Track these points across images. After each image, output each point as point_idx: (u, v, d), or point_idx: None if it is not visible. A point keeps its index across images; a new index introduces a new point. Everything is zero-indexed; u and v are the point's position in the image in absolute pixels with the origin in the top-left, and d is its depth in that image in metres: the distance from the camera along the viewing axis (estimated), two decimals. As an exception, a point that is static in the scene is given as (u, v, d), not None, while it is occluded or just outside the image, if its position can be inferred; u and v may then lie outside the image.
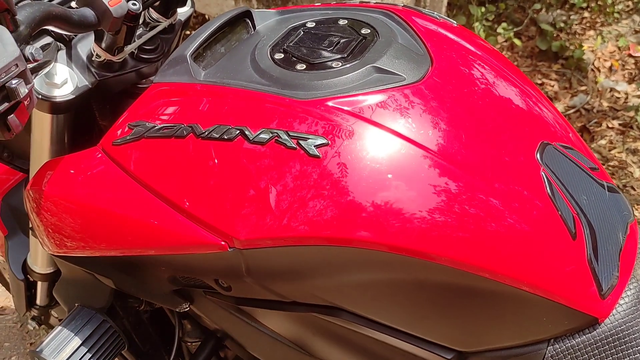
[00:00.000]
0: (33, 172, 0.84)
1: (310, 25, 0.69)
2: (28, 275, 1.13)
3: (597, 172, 0.64)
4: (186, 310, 0.80)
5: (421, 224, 0.53)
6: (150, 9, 0.77)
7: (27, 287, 1.16)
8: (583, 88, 2.95)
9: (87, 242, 0.66)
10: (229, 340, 0.86)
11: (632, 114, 2.77)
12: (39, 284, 1.14)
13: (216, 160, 0.57)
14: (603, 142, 2.60)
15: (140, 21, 0.79)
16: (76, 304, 0.83)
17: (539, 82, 2.96)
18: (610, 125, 2.69)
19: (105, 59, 0.72)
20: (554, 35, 3.10)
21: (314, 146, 0.55)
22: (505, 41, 3.24)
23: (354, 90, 0.58)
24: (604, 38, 3.39)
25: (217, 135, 0.58)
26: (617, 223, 0.61)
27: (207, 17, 2.32)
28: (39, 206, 0.69)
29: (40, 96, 0.70)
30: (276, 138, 0.56)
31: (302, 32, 0.67)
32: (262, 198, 0.55)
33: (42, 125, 0.76)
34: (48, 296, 1.18)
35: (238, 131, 0.57)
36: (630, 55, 3.30)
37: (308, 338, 0.73)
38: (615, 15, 3.53)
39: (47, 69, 0.68)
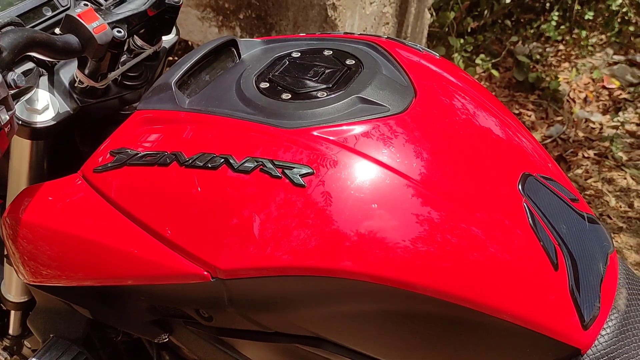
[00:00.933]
0: (10, 198, 0.82)
1: (295, 55, 0.69)
2: (1, 304, 1.10)
3: (577, 203, 0.65)
4: (165, 341, 0.78)
5: (404, 253, 0.53)
6: (135, 36, 0.77)
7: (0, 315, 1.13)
8: (559, 118, 3.00)
9: (64, 271, 0.64)
10: None
11: (607, 144, 2.83)
12: (12, 313, 1.11)
13: (200, 189, 0.57)
14: (579, 171, 2.64)
15: (125, 48, 0.79)
16: (51, 335, 0.80)
17: (517, 112, 3.01)
18: (586, 155, 2.74)
19: (88, 86, 0.72)
20: (531, 66, 3.17)
21: (299, 175, 0.54)
22: (484, 72, 3.31)
23: (339, 120, 0.59)
24: (579, 70, 3.47)
25: (201, 164, 0.57)
26: (598, 254, 0.62)
27: (190, 44, 2.33)
28: (16, 233, 0.68)
29: (20, 122, 0.69)
30: (261, 167, 0.55)
31: (287, 62, 0.68)
32: (246, 227, 0.55)
33: (22, 152, 0.74)
34: (21, 326, 1.15)
35: (222, 159, 0.57)
36: (604, 87, 3.39)
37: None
38: (590, 48, 3.63)
39: (28, 95, 0.67)
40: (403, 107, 0.61)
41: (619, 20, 3.80)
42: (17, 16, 0.70)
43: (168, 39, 0.85)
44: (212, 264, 0.55)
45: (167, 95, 0.66)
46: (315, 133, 0.57)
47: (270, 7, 1.87)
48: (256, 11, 1.90)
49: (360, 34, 0.74)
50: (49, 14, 0.74)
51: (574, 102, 3.22)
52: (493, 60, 3.33)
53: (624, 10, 3.71)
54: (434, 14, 2.69)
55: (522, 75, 3.18)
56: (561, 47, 3.73)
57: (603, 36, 3.85)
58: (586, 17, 3.61)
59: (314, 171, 0.55)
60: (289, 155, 0.56)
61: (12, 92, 0.60)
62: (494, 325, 0.56)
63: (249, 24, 1.94)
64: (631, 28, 3.72)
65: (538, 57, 3.45)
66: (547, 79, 3.20)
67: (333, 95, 0.61)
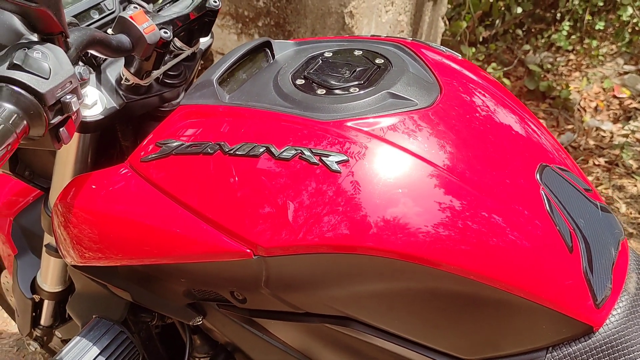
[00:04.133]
0: (55, 189, 0.87)
1: (327, 54, 0.74)
2: (35, 295, 1.15)
3: (591, 193, 0.70)
4: (199, 323, 0.83)
5: (430, 233, 0.58)
6: (175, 38, 0.83)
7: (34, 308, 1.18)
8: (570, 127, 3.04)
9: (111, 251, 0.70)
10: (239, 353, 0.89)
11: (617, 152, 2.86)
12: (45, 303, 1.16)
13: (243, 175, 0.62)
14: (590, 178, 2.67)
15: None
16: (94, 316, 0.85)
17: (528, 120, 3.05)
18: (596, 163, 2.78)
19: (133, 83, 0.77)
20: (542, 75, 3.22)
21: (335, 162, 0.59)
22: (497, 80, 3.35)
23: (370, 113, 0.64)
24: (590, 80, 3.51)
25: (244, 152, 0.63)
26: (610, 239, 0.66)
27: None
28: (67, 219, 0.73)
29: (72, 116, 0.74)
30: (300, 154, 0.61)
31: (320, 61, 0.73)
32: (286, 209, 0.60)
33: (70, 144, 0.80)
34: (53, 316, 1.20)
35: (264, 148, 0.62)
36: (614, 97, 3.42)
37: (318, 350, 0.77)
38: (600, 58, 3.67)
39: (83, 90, 0.73)
40: (430, 102, 0.66)
41: (629, 30, 3.84)
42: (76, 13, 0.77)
43: (204, 42, 0.91)
44: (255, 242, 0.60)
45: (209, 91, 0.72)
46: (348, 124, 0.63)
47: (288, 15, 1.93)
48: (275, 19, 1.96)
49: (387, 36, 0.80)
50: (97, 16, 0.80)
51: (585, 110, 3.26)
52: (504, 69, 3.38)
53: (635, 20, 3.75)
54: (447, 22, 2.74)
55: (533, 84, 3.22)
56: (572, 56, 3.77)
57: (614, 46, 3.89)
58: (597, 27, 3.65)
59: (348, 158, 0.60)
60: (325, 144, 0.61)
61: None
62: (512, 302, 0.61)
63: (268, 31, 2.00)
64: (642, 38, 3.74)
65: (549, 66, 3.49)
66: (558, 87, 3.24)
67: (365, 91, 0.66)
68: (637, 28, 3.76)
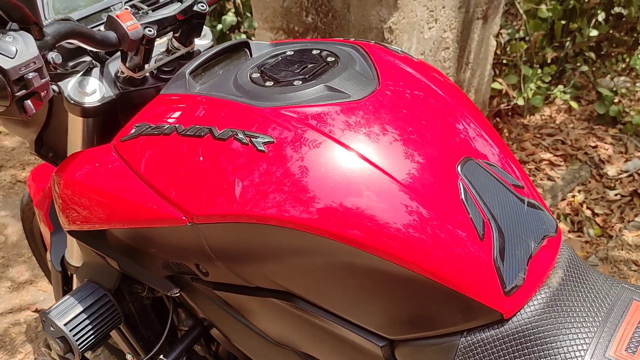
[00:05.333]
0: (66, 165, 1.00)
1: (289, 53, 0.82)
2: (65, 269, 1.29)
3: (521, 190, 0.71)
4: (176, 295, 0.91)
5: (340, 211, 0.63)
6: (173, 38, 0.93)
7: (63, 281, 1.32)
8: (640, 154, 2.90)
9: (89, 216, 0.80)
10: (214, 329, 0.96)
11: (689, 181, 2.70)
12: (75, 277, 1.29)
13: (189, 152, 0.70)
14: (653, 207, 2.54)
15: (165, 48, 0.95)
16: (85, 279, 0.96)
17: (593, 144, 2.95)
18: (662, 191, 2.63)
19: (128, 75, 0.88)
20: (614, 100, 3.09)
21: (262, 143, 0.66)
22: (563, 103, 3.27)
23: (305, 102, 0.70)
24: (669, 106, 3.33)
25: (193, 133, 0.71)
26: (531, 233, 0.68)
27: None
28: (60, 188, 0.85)
29: (72, 101, 0.86)
30: (235, 135, 0.68)
31: (280, 58, 0.80)
32: (218, 182, 0.67)
33: (76, 127, 0.92)
34: (80, 289, 1.33)
35: (208, 130, 0.70)
36: (696, 125, 3.22)
37: (269, 323, 0.83)
38: (682, 84, 3.47)
39: (76, 77, 0.84)
40: (363, 96, 0.71)
41: None
42: (79, 19, 0.89)
43: (204, 44, 1.00)
44: (189, 210, 0.68)
45: (182, 82, 0.81)
46: (282, 112, 0.69)
47: (334, 30, 2.02)
48: (321, 34, 2.06)
49: (354, 39, 0.86)
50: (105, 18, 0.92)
51: (661, 138, 3.10)
52: (575, 93, 3.28)
53: None
54: (502, 41, 2.72)
55: (603, 108, 3.11)
56: (654, 82, 3.59)
57: (701, 73, 3.67)
58: (678, 51, 3.46)
59: (275, 140, 0.66)
60: (257, 127, 0.68)
61: (59, 70, 0.78)
62: (423, 283, 0.64)
63: (316, 45, 2.09)
64: None
65: (624, 91, 3.35)
66: (632, 113, 3.10)
67: (306, 84, 0.73)
68: None
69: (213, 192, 0.67)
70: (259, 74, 0.77)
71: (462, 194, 0.66)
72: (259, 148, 0.66)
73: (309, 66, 0.77)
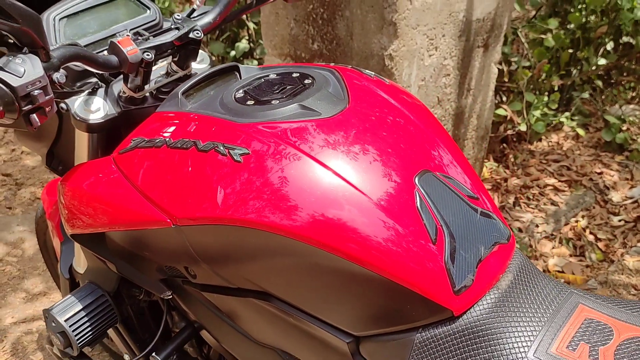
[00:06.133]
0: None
1: (272, 75, 0.90)
2: (72, 277, 1.37)
3: (475, 200, 0.78)
4: (169, 297, 0.99)
5: (306, 215, 0.70)
6: (172, 62, 1.02)
7: (71, 288, 1.40)
8: (646, 181, 2.92)
9: (87, 220, 0.88)
10: (204, 331, 1.03)
11: (694, 208, 2.72)
12: (80, 283, 1.38)
13: (176, 162, 0.78)
14: (654, 233, 2.56)
15: (165, 71, 1.04)
16: (87, 281, 1.05)
17: (598, 171, 2.98)
18: (665, 217, 2.65)
19: (129, 95, 0.97)
20: (620, 127, 3.13)
21: (239, 154, 0.74)
22: (571, 130, 3.31)
23: (280, 119, 0.78)
24: (678, 135, 3.35)
25: (180, 145, 0.79)
26: (481, 239, 0.74)
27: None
28: (64, 195, 0.93)
29: (78, 118, 0.95)
30: (215, 148, 0.76)
31: (262, 80, 0.89)
32: (198, 188, 0.75)
33: (82, 141, 1.01)
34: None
35: (192, 143, 0.78)
36: None
37: (252, 323, 0.90)
38: (692, 113, 3.49)
39: (83, 96, 0.94)
40: (332, 114, 0.79)
41: None
42: (88, 44, 0.98)
43: (201, 67, 1.10)
44: (173, 213, 0.76)
45: (175, 101, 0.89)
46: (259, 127, 0.77)
47: (338, 56, 2.11)
48: (326, 60, 2.15)
49: (333, 64, 0.94)
50: None
51: (668, 166, 3.11)
52: (583, 120, 3.32)
53: None
54: (505, 67, 2.78)
55: (610, 135, 3.15)
56: (664, 111, 3.62)
57: None
58: (687, 81, 3.49)
59: (250, 152, 0.74)
60: (235, 140, 0.76)
61: (66, 89, 0.87)
62: (381, 282, 0.70)
63: (322, 71, 2.19)
64: None
65: (632, 119, 3.38)
66: (639, 140, 3.13)
67: (282, 102, 0.81)
68: None
69: (194, 197, 0.75)
70: (242, 94, 0.86)
71: (418, 203, 0.73)
72: (236, 159, 0.74)
73: (287, 87, 0.85)
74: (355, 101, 0.82)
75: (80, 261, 1.28)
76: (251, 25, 2.88)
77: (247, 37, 2.94)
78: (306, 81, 0.86)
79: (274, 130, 0.76)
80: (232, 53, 2.82)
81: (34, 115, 0.74)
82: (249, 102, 0.83)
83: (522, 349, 0.70)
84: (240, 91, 0.86)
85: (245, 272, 0.81)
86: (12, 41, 0.97)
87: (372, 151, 0.75)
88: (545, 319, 0.73)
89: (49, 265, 1.83)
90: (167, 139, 0.81)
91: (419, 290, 0.70)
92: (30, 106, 0.73)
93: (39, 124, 0.75)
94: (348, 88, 0.84)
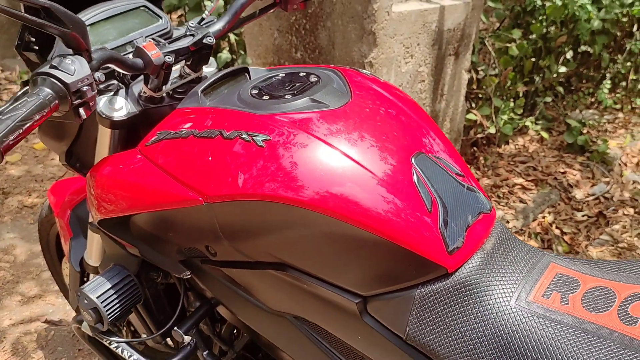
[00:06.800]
0: (94, 173, 1.19)
1: (281, 75, 1.02)
2: (83, 269, 1.46)
3: (462, 177, 0.91)
4: (188, 277, 1.09)
5: (323, 190, 0.82)
6: (185, 66, 1.14)
7: (81, 279, 1.49)
8: (607, 179, 3.13)
9: (119, 205, 0.99)
10: (221, 306, 1.14)
11: (651, 203, 2.92)
12: (91, 277, 1.47)
13: (203, 149, 0.90)
14: (617, 227, 2.75)
15: (178, 74, 1.15)
16: (112, 264, 1.15)
17: (562, 171, 3.17)
18: (626, 213, 2.85)
19: (149, 95, 1.08)
20: (582, 131, 3.34)
21: (262, 140, 0.86)
22: (536, 134, 3.51)
23: (295, 110, 0.90)
24: (634, 137, 3.58)
25: (206, 135, 0.91)
26: (469, 209, 0.87)
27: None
28: (94, 185, 1.04)
29: (104, 115, 1.06)
30: (240, 135, 0.88)
31: (273, 79, 1.01)
32: (228, 169, 0.86)
33: (105, 137, 1.11)
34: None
35: (218, 132, 0.90)
36: (659, 153, 3.47)
37: (268, 294, 1.01)
38: (645, 115, 3.73)
39: (108, 95, 1.04)
40: (339, 106, 0.91)
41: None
42: (112, 48, 1.09)
43: (209, 70, 1.21)
44: (204, 192, 0.87)
45: (195, 99, 1.01)
46: (276, 117, 0.89)
47: (320, 64, 2.24)
48: (309, 68, 2.28)
49: (333, 65, 1.07)
50: (130, 49, 1.12)
51: (626, 165, 3.33)
52: (547, 125, 3.52)
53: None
54: (474, 74, 2.96)
55: (571, 137, 3.35)
56: (620, 115, 3.86)
57: (667, 106, 3.94)
58: (639, 86, 3.74)
59: (271, 138, 0.86)
60: (257, 128, 0.88)
61: (101, 86, 0.98)
62: (386, 246, 0.83)
63: (304, 78, 2.32)
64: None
65: (591, 122, 3.60)
66: (599, 142, 3.34)
67: (294, 97, 0.93)
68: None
69: (223, 177, 0.86)
70: (257, 91, 0.98)
71: (415, 179, 0.85)
72: (259, 144, 0.86)
73: (296, 84, 0.97)
74: (357, 95, 0.94)
75: (92, 253, 1.37)
76: (232, 37, 3.00)
77: (228, 48, 3.06)
78: (312, 79, 0.99)
79: (290, 120, 0.89)
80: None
81: (81, 108, 0.85)
82: (264, 97, 0.95)
83: (505, 299, 0.83)
84: (256, 88, 0.98)
85: (265, 246, 0.92)
86: (37, 48, 1.08)
87: (374, 136, 0.88)
88: (523, 274, 0.86)
89: (50, 265, 1.90)
90: (193, 131, 0.93)
91: (418, 252, 0.83)
92: (79, 100, 0.83)
93: (85, 116, 0.85)
94: (350, 84, 0.97)
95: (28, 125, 0.76)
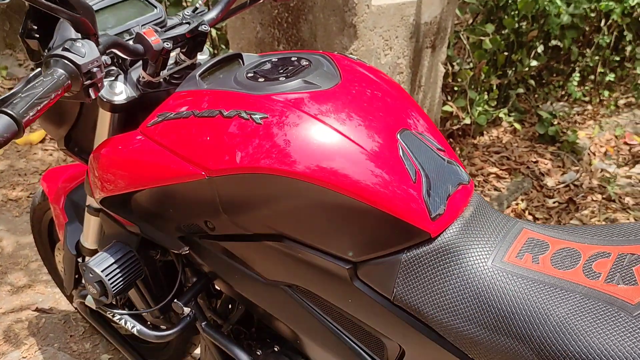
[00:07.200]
0: (94, 156, 1.24)
1: (274, 59, 1.10)
2: (79, 252, 1.51)
3: (443, 152, 1.00)
4: (186, 252, 1.16)
5: (316, 163, 0.90)
6: (180, 53, 1.20)
7: (76, 267, 1.53)
8: (576, 168, 3.26)
9: (122, 182, 1.05)
10: (218, 280, 1.21)
11: (618, 190, 3.06)
12: (87, 260, 1.52)
13: (204, 128, 0.96)
14: (586, 212, 2.88)
15: (174, 60, 1.21)
16: (114, 241, 1.21)
17: (534, 160, 3.30)
18: (595, 199, 2.98)
19: (147, 80, 1.14)
20: (553, 122, 3.47)
21: (259, 118, 0.93)
22: (510, 125, 3.63)
23: (289, 91, 0.97)
24: (602, 127, 3.73)
25: (207, 114, 0.97)
26: (449, 180, 0.96)
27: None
28: (97, 165, 1.10)
29: (105, 99, 1.12)
30: (239, 114, 0.95)
31: (267, 63, 1.08)
32: (227, 145, 0.93)
33: (104, 120, 1.17)
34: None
35: (218, 111, 0.97)
36: (625, 143, 3.62)
37: (264, 265, 1.08)
38: (612, 107, 3.88)
39: (109, 80, 1.10)
40: (329, 87, 0.99)
41: (647, 83, 4.03)
42: (113, 35, 1.15)
43: (203, 57, 1.28)
44: (206, 166, 0.94)
45: (193, 82, 1.07)
46: (273, 97, 0.96)
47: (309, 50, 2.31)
48: (292, 60, 2.34)
49: (323, 51, 1.14)
50: (127, 37, 1.18)
51: (594, 155, 3.47)
52: (519, 116, 3.64)
53: (649, 74, 3.95)
54: (450, 68, 3.06)
55: (543, 129, 3.47)
56: (589, 107, 4.01)
57: (632, 98, 4.11)
58: (607, 79, 3.89)
59: (268, 116, 0.93)
60: (255, 107, 0.95)
61: (105, 69, 1.04)
62: (375, 214, 0.90)
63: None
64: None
65: (562, 114, 3.73)
66: (569, 133, 3.47)
67: (288, 79, 1.00)
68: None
69: (224, 152, 0.93)
70: (252, 74, 1.05)
71: (400, 152, 0.94)
72: (257, 121, 0.93)
73: (289, 68, 1.05)
74: (346, 77, 1.02)
75: (89, 236, 1.42)
76: (214, 31, 3.05)
77: (209, 43, 3.11)
78: (304, 63, 1.06)
79: (285, 99, 0.96)
80: (197, 57, 2.97)
81: (91, 89, 0.91)
82: (260, 80, 1.02)
83: (482, 260, 0.92)
84: (251, 72, 1.05)
85: (262, 218, 0.99)
86: (38, 36, 1.13)
87: (362, 114, 0.96)
88: (499, 238, 0.95)
89: (42, 253, 1.94)
90: (193, 111, 0.99)
91: (404, 218, 0.91)
92: (89, 81, 0.89)
93: (94, 97, 0.92)
94: (339, 67, 1.05)
95: (45, 103, 0.82)
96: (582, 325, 0.80)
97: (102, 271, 1.12)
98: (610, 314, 0.81)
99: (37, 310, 2.13)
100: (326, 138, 0.92)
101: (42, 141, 3.35)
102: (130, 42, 1.07)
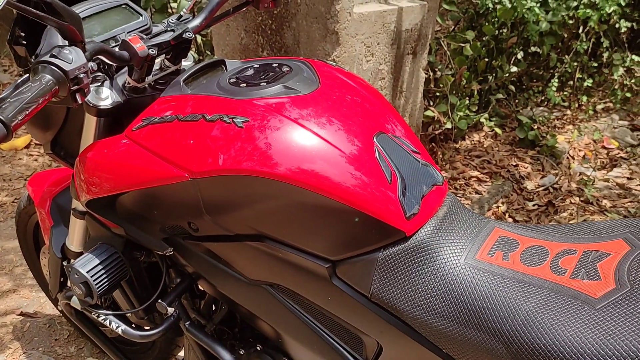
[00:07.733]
0: (80, 160, 1.27)
1: (256, 65, 1.13)
2: (64, 255, 1.53)
3: (418, 154, 1.04)
4: (170, 254, 1.19)
5: (295, 164, 0.93)
6: (165, 59, 1.23)
7: (61, 270, 1.55)
8: (555, 171, 3.33)
9: (107, 185, 1.08)
10: (201, 280, 1.24)
11: (596, 193, 3.12)
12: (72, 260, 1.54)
13: (187, 131, 1.00)
14: (564, 214, 2.94)
15: (159, 66, 1.25)
16: (99, 242, 1.23)
17: (514, 164, 3.36)
18: (573, 201, 3.05)
19: (133, 85, 1.17)
20: (532, 126, 3.54)
21: (241, 122, 0.97)
22: (490, 130, 3.70)
23: (270, 96, 1.01)
24: (581, 132, 3.80)
25: (190, 119, 1.01)
26: (423, 181, 1.00)
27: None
28: (83, 168, 1.12)
29: (91, 104, 1.15)
30: (221, 118, 0.98)
31: (249, 69, 1.12)
32: (210, 148, 0.97)
33: (90, 125, 1.20)
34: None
35: (201, 116, 1.00)
36: (603, 147, 3.70)
37: (246, 264, 1.11)
38: (590, 112, 3.96)
39: (95, 85, 1.13)
40: (309, 92, 1.03)
41: (625, 89, 4.13)
42: (100, 42, 1.18)
43: (187, 64, 1.31)
44: (189, 168, 0.97)
45: (177, 87, 1.11)
46: (254, 102, 1.00)
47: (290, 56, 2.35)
48: (275, 66, 2.38)
49: (304, 57, 1.18)
50: (113, 43, 1.21)
51: (573, 159, 3.54)
52: (500, 121, 3.71)
53: (627, 82, 4.05)
54: (432, 73, 3.12)
55: (523, 133, 3.54)
56: (568, 112, 4.09)
57: (610, 103, 4.19)
58: (585, 84, 3.97)
59: (250, 120, 0.97)
60: (236, 112, 0.98)
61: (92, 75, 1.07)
62: (352, 213, 0.94)
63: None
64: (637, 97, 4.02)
65: (541, 119, 3.81)
66: (548, 137, 3.54)
67: (269, 84, 1.04)
68: (632, 87, 4.06)
69: (208, 155, 0.97)
70: (235, 79, 1.08)
71: (377, 155, 0.98)
72: (239, 125, 0.97)
73: (270, 74, 1.08)
74: (325, 83, 1.06)
75: (74, 239, 1.45)
76: (199, 38, 3.08)
77: (194, 49, 3.14)
78: (284, 69, 1.10)
79: (266, 104, 1.00)
80: (182, 63, 3.00)
81: (78, 94, 0.94)
82: (242, 85, 1.06)
83: (455, 258, 0.96)
84: (233, 77, 1.09)
85: (244, 218, 1.02)
86: (25, 42, 1.16)
87: (340, 118, 1.00)
88: (471, 237, 0.99)
89: (27, 257, 1.95)
90: (177, 115, 1.03)
91: (380, 218, 0.95)
92: (76, 86, 0.93)
93: (80, 102, 0.95)
94: (318, 73, 1.09)
95: (33, 107, 0.85)
96: (549, 318, 0.84)
97: (87, 272, 1.15)
98: (575, 307, 0.85)
99: (21, 314, 2.14)
100: (306, 141, 0.95)
101: (27, 147, 3.36)
102: (116, 49, 1.10)
